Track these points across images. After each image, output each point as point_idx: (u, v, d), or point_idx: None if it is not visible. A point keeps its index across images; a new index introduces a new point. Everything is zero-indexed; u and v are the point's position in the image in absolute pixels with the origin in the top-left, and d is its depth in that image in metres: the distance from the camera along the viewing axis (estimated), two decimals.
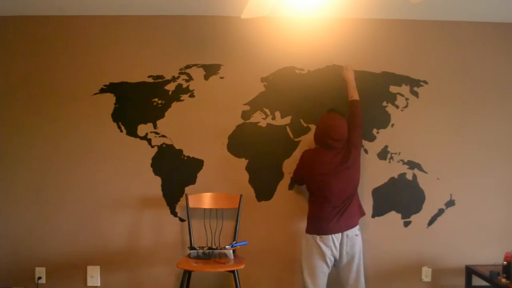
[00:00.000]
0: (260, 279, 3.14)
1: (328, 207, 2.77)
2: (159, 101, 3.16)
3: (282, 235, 3.15)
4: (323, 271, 2.78)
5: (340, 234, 2.75)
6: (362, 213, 2.94)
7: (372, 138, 3.17)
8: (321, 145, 2.88)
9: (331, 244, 2.74)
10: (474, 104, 3.20)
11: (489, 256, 3.13)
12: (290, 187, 3.15)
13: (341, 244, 2.75)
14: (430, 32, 3.21)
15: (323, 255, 2.75)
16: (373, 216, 3.17)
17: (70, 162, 3.13)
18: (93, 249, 3.12)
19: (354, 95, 3.01)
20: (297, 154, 3.14)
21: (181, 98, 3.16)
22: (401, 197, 3.17)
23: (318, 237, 2.76)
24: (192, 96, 3.16)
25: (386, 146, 3.18)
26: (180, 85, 3.16)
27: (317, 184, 2.82)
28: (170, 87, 3.16)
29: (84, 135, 3.13)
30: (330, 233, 2.74)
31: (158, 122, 3.15)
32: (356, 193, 2.89)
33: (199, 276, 3.06)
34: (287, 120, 3.17)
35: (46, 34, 3.15)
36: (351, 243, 2.77)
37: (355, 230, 2.80)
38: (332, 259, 2.78)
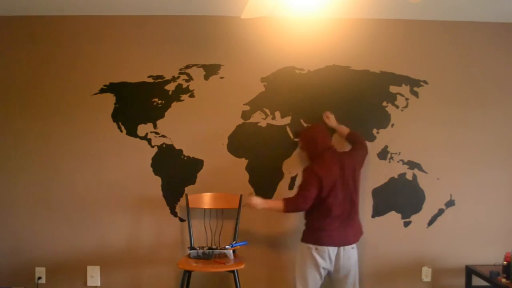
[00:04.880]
0: (260, 279, 3.14)
1: (330, 218, 2.70)
2: (159, 101, 3.16)
3: (282, 235, 3.15)
4: (316, 282, 2.73)
5: (336, 247, 2.69)
6: (361, 232, 2.86)
7: (372, 138, 3.18)
8: (317, 154, 2.79)
9: (326, 256, 2.68)
10: (474, 104, 3.20)
11: (489, 256, 3.13)
12: (290, 187, 3.15)
13: (337, 257, 2.69)
14: (430, 32, 3.21)
15: (317, 266, 2.69)
16: (373, 216, 3.17)
17: (70, 162, 3.13)
18: (93, 249, 3.12)
19: (345, 129, 3.03)
20: (297, 154, 3.14)
21: (181, 98, 3.16)
22: (401, 197, 3.17)
23: (313, 247, 2.70)
24: (192, 96, 3.17)
25: (386, 146, 3.18)
26: (180, 85, 3.16)
27: (323, 195, 2.71)
28: (170, 87, 3.16)
29: (84, 135, 3.13)
30: (328, 245, 2.67)
31: (158, 122, 3.15)
32: (358, 210, 2.81)
33: (199, 276, 3.06)
34: (287, 120, 3.17)
35: (46, 34, 3.15)
36: (347, 255, 2.70)
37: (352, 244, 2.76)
38: (326, 270, 2.73)
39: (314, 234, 2.73)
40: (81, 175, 3.13)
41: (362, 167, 2.91)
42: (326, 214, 2.71)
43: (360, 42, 3.19)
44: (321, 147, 2.80)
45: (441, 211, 3.18)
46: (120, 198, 3.13)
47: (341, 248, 2.69)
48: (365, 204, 3.16)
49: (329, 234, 2.69)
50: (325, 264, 2.69)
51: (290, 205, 2.73)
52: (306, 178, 2.74)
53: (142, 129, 3.15)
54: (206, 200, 3.07)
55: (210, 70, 3.17)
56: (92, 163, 3.13)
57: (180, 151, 3.15)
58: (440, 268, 3.17)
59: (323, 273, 2.72)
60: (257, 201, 2.75)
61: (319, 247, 2.69)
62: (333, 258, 2.69)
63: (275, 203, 2.80)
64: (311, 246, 2.71)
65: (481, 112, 3.20)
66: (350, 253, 2.72)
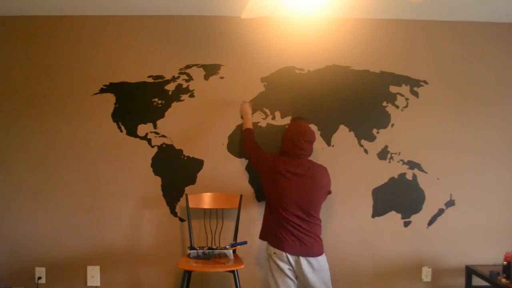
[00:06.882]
0: (260, 279, 3.14)
1: (284, 219, 2.60)
2: (159, 101, 3.16)
3: None
4: (288, 285, 2.62)
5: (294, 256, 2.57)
6: (321, 249, 2.64)
7: (372, 138, 3.18)
8: (290, 150, 2.73)
9: (285, 260, 2.58)
10: (474, 104, 3.20)
11: (489, 256, 3.13)
12: None
13: (297, 263, 2.57)
14: (430, 32, 3.21)
15: (282, 270, 2.60)
16: (373, 216, 3.17)
17: (70, 162, 3.13)
18: (93, 249, 3.12)
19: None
20: None
21: (181, 98, 3.16)
22: (401, 197, 3.17)
23: (272, 252, 2.61)
24: (192, 96, 3.17)
25: (386, 146, 3.18)
26: (180, 85, 3.16)
27: (274, 186, 2.66)
28: (170, 87, 3.16)
29: (84, 135, 3.13)
30: (284, 251, 2.57)
31: (158, 122, 3.15)
32: (320, 224, 2.69)
33: (199, 276, 3.06)
34: (287, 120, 3.17)
35: (46, 34, 3.15)
36: (308, 262, 2.57)
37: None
38: (294, 274, 2.62)
39: (269, 234, 2.67)
40: (81, 175, 3.13)
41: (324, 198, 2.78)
42: (280, 214, 2.63)
43: (360, 42, 3.19)
44: (287, 149, 2.75)
45: (441, 211, 3.18)
46: (120, 198, 3.13)
47: (300, 257, 2.58)
48: (365, 204, 3.16)
49: (284, 239, 2.58)
50: (288, 266, 2.60)
51: (244, 139, 2.96)
52: (265, 153, 2.85)
53: (142, 129, 3.15)
54: (206, 200, 3.07)
55: (210, 70, 3.17)
56: (92, 163, 3.13)
57: (180, 151, 3.15)
58: (440, 268, 3.17)
59: (292, 275, 2.62)
60: (246, 108, 3.02)
61: (277, 251, 2.60)
62: (293, 263, 2.59)
63: (247, 127, 2.98)
64: (271, 249, 2.64)
65: (481, 112, 3.20)
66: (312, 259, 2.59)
